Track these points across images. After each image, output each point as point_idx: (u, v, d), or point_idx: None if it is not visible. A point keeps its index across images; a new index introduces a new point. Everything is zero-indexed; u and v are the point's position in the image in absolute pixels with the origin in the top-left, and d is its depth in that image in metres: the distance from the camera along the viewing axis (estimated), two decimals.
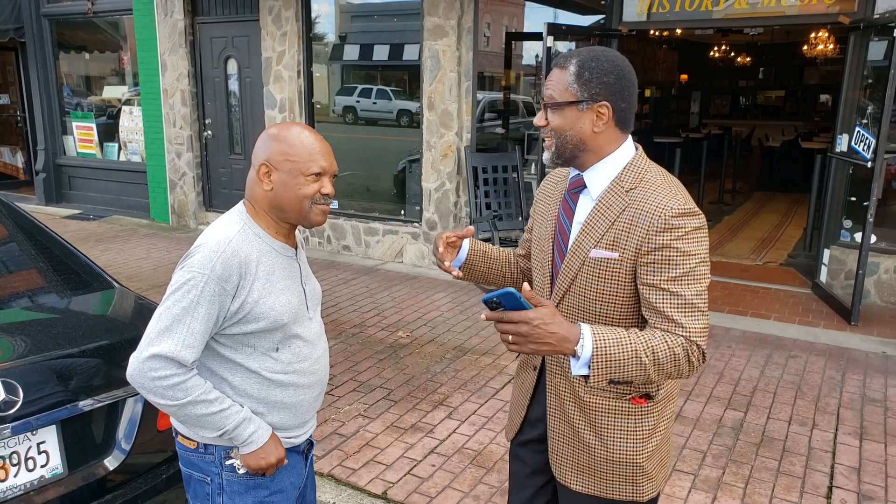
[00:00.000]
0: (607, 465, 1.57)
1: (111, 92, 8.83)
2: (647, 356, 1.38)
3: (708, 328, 1.44)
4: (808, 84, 14.53)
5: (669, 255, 1.41)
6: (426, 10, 5.97)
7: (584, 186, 1.55)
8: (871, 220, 4.63)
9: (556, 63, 1.51)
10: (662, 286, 1.41)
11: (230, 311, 1.53)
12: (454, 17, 5.86)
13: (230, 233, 1.57)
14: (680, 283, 1.41)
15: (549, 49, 5.35)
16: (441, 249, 1.72)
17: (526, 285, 1.37)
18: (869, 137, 4.72)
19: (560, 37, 5.76)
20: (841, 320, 4.92)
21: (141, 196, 8.41)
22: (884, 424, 3.50)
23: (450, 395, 3.80)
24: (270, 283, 1.58)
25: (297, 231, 1.73)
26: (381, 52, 7.00)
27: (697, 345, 1.41)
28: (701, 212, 1.45)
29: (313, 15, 6.87)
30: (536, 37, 5.90)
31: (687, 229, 1.41)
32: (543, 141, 1.55)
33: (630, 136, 1.54)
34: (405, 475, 3.05)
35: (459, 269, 1.80)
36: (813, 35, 11.30)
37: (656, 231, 1.41)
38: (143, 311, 2.47)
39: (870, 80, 5.08)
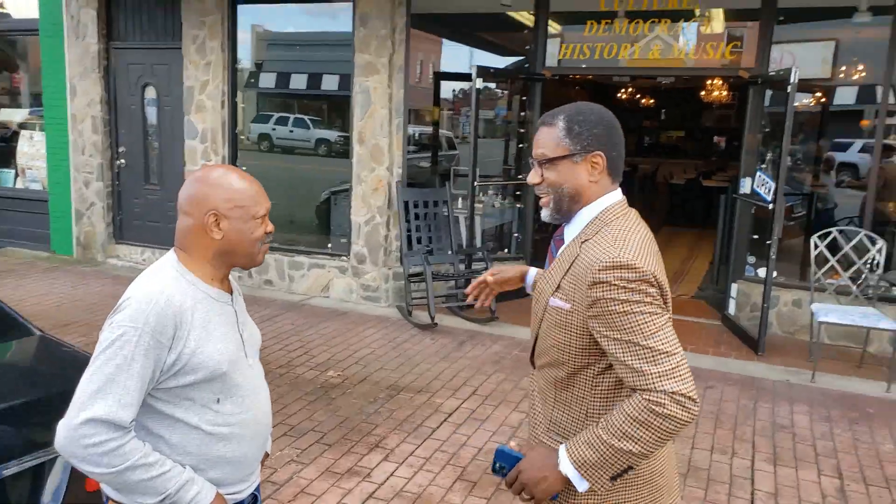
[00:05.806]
0: None
1: (7, 114, 8.24)
2: (617, 439, 1.37)
3: (678, 367, 1.36)
4: (706, 126, 15.69)
5: (607, 308, 1.38)
6: (357, 47, 6.01)
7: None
8: (773, 257, 5.03)
9: (543, 122, 1.55)
10: (614, 336, 1.39)
11: (167, 364, 1.47)
12: (385, 55, 5.93)
13: (163, 282, 1.51)
14: (630, 332, 1.37)
15: (478, 90, 5.53)
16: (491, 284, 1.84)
17: (512, 442, 1.40)
18: (769, 181, 5.15)
19: (489, 78, 5.96)
20: (749, 350, 5.28)
21: (41, 227, 7.83)
22: (793, 450, 3.76)
23: (386, 437, 3.74)
24: (207, 332, 1.53)
25: (230, 276, 1.68)
26: (300, 81, 7.01)
27: (665, 391, 1.33)
28: (641, 264, 1.38)
29: (240, 45, 6.75)
30: (465, 77, 6.07)
31: (614, 282, 1.37)
32: (540, 199, 1.58)
33: (618, 189, 1.55)
34: None
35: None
36: (709, 82, 12.25)
37: (589, 284, 1.41)
38: (69, 361, 2.30)
39: (767, 130, 5.58)
